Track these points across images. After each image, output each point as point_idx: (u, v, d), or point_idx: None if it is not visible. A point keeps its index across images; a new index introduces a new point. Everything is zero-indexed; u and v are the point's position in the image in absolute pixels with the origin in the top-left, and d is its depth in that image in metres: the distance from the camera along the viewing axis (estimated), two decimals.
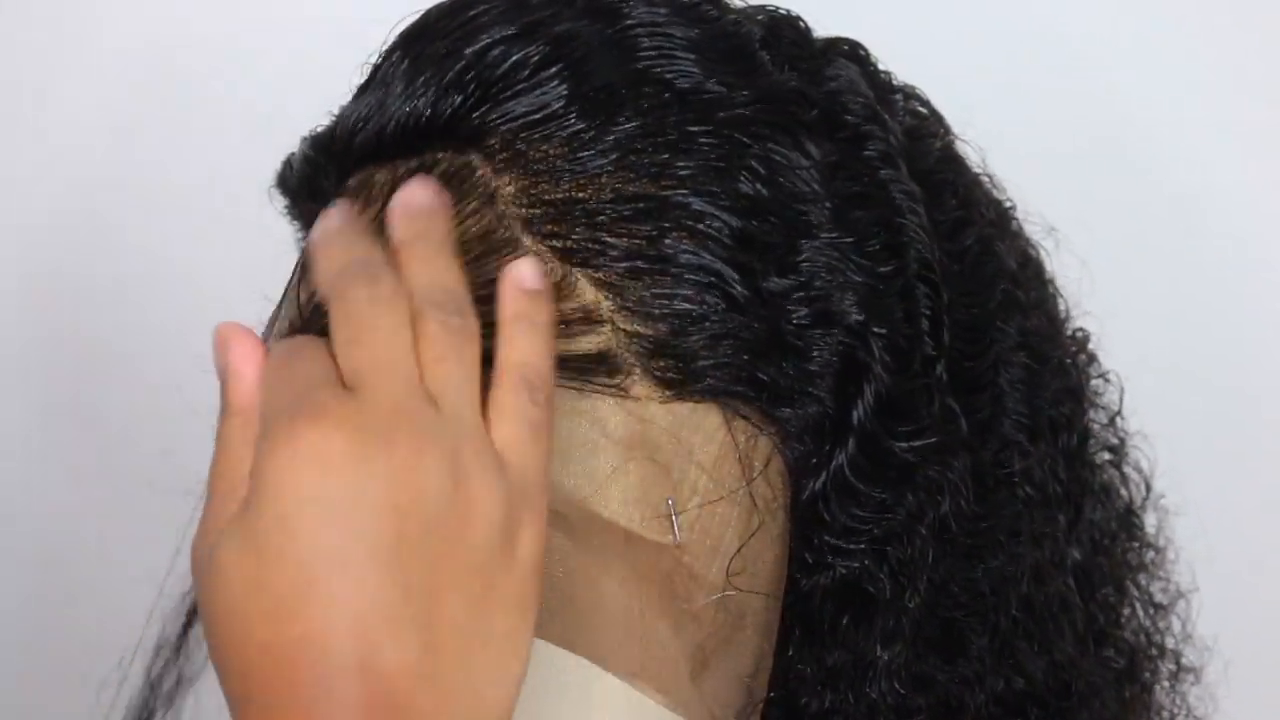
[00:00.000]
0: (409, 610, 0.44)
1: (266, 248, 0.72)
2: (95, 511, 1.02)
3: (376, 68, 0.59)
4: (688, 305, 0.53)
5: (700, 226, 0.54)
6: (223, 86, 0.97)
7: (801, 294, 0.55)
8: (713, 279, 0.53)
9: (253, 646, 0.44)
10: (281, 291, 0.64)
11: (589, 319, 0.53)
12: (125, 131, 0.98)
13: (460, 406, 0.47)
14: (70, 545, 1.03)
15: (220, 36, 0.98)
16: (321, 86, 0.65)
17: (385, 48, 0.60)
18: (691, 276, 0.53)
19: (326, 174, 0.61)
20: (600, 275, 0.53)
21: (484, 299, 0.50)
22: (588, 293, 0.53)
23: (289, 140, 0.67)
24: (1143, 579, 0.74)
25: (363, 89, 0.59)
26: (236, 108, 0.96)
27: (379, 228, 0.54)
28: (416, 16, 0.60)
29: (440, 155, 0.55)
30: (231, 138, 0.95)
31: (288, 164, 0.66)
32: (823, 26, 0.65)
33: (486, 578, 0.46)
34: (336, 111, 0.65)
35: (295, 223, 0.68)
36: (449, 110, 0.54)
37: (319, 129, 0.65)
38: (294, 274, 0.65)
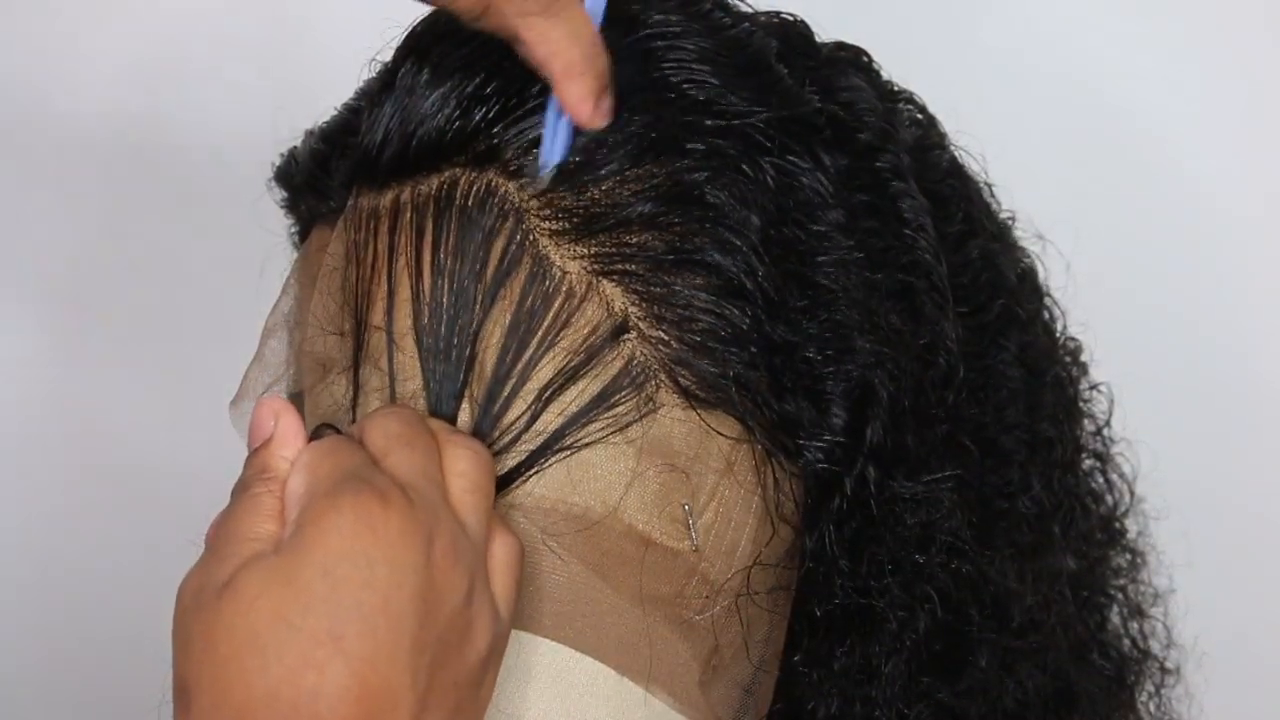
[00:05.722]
0: (409, 699, 0.46)
1: (261, 239, 0.71)
2: (94, 516, 1.01)
3: (391, 71, 0.58)
4: (709, 315, 0.54)
5: (721, 231, 0.54)
6: (221, 81, 0.96)
7: (817, 310, 0.55)
8: (734, 286, 0.54)
9: (260, 686, 0.45)
10: (280, 285, 0.64)
11: (615, 333, 0.53)
12: (123, 128, 0.97)
13: (479, 537, 0.50)
14: (69, 550, 1.02)
15: (221, 32, 0.97)
16: (320, 82, 0.65)
17: (399, 49, 0.59)
18: (714, 281, 0.54)
19: (330, 172, 0.61)
20: (626, 282, 0.54)
21: (526, 328, 0.53)
22: (616, 300, 0.54)
23: (288, 133, 0.67)
24: (1126, 584, 0.75)
25: (378, 93, 0.58)
26: (236, 102, 0.95)
27: (391, 248, 0.55)
28: (428, 15, 0.59)
29: (459, 172, 0.55)
30: (229, 132, 0.94)
31: (291, 158, 0.65)
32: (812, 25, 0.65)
33: (461, 699, 0.48)
34: (339, 107, 0.65)
35: (291, 215, 0.67)
36: (469, 127, 0.55)
37: (325, 124, 0.64)
38: (292, 267, 0.65)
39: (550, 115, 0.54)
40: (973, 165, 0.68)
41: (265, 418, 0.51)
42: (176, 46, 0.96)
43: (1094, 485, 0.72)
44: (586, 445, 0.53)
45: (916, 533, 0.57)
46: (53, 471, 1.01)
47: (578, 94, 0.53)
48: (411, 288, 0.54)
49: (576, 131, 0.54)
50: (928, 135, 0.65)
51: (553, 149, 0.54)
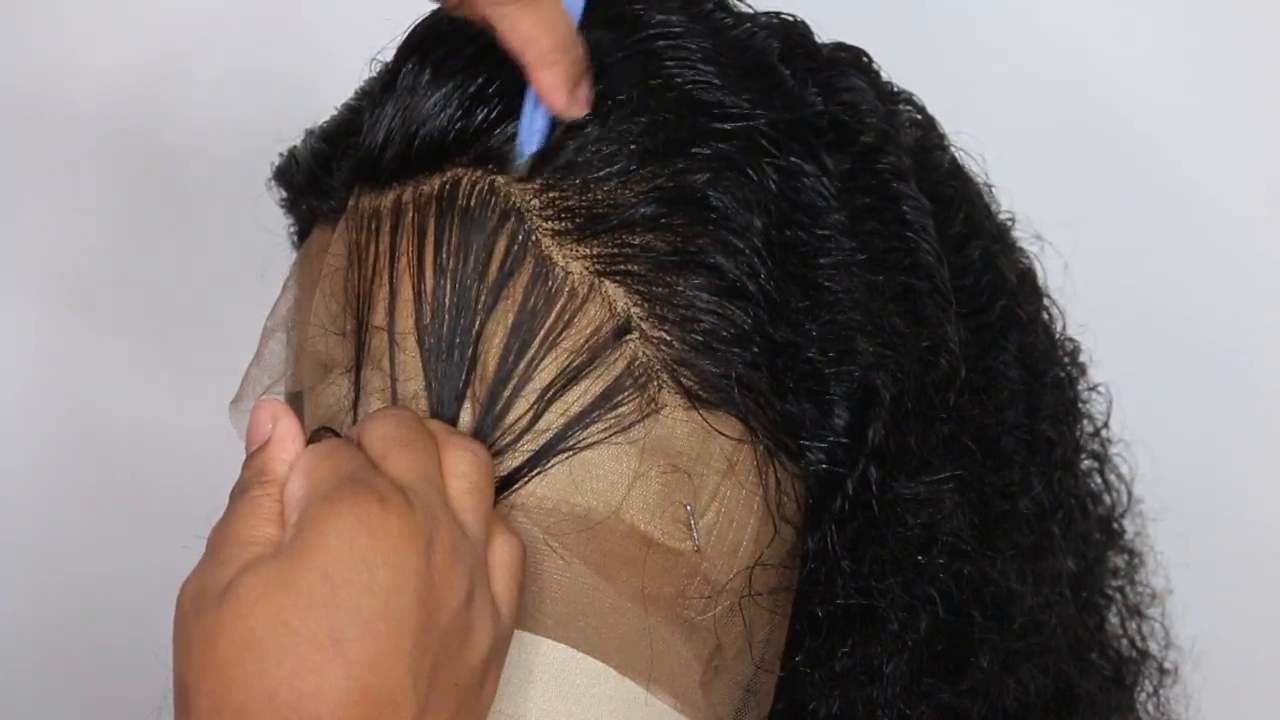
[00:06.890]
0: (410, 701, 0.46)
1: (261, 239, 0.71)
2: (94, 518, 1.01)
3: (393, 71, 0.58)
4: (712, 315, 0.54)
5: (724, 234, 0.54)
6: (221, 81, 0.96)
7: (819, 312, 0.55)
8: (737, 287, 0.54)
9: (260, 689, 0.45)
10: (280, 283, 0.64)
11: (617, 333, 0.53)
12: (121, 128, 0.97)
13: (479, 538, 0.50)
14: (69, 552, 1.02)
15: (221, 31, 0.97)
16: (320, 81, 0.65)
17: (400, 48, 0.59)
18: (716, 282, 0.54)
19: (331, 172, 0.61)
20: (629, 282, 0.54)
21: (528, 328, 0.53)
22: (619, 300, 0.54)
23: (289, 132, 0.67)
24: (1124, 584, 0.75)
25: (379, 93, 0.58)
26: (236, 102, 0.95)
27: (393, 248, 0.55)
28: (429, 15, 0.59)
29: (461, 172, 0.55)
30: (229, 132, 0.94)
31: (291, 158, 0.65)
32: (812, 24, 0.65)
33: (462, 700, 0.48)
34: (339, 106, 0.65)
35: (291, 215, 0.67)
36: (472, 127, 0.55)
37: (325, 123, 0.64)
38: (292, 267, 0.65)
39: (527, 104, 0.54)
40: (972, 166, 0.68)
41: (263, 420, 0.51)
42: (176, 45, 0.96)
43: (1093, 486, 0.73)
44: (589, 445, 0.53)
45: (918, 533, 0.57)
46: (53, 472, 1.01)
47: (550, 82, 0.53)
48: (413, 288, 0.54)
49: (555, 122, 0.54)
50: (928, 136, 0.65)
51: (529, 138, 0.54)
